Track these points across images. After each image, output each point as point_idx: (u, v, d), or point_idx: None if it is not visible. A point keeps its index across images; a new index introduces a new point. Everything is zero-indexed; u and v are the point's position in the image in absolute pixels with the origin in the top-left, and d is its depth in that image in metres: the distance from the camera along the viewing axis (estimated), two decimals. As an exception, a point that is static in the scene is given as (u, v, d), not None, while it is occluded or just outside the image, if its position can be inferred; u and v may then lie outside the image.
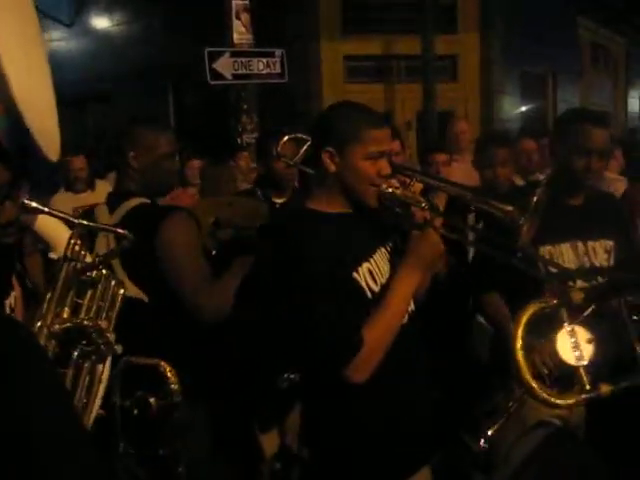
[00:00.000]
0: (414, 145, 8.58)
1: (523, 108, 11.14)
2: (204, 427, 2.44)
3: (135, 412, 2.09)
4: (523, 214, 2.00)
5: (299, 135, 3.11)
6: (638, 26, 14.84)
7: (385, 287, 2.00)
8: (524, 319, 1.97)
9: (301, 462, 2.19)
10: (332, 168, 1.98)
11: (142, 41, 10.24)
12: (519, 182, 4.01)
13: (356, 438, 2.02)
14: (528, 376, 1.95)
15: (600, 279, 2.50)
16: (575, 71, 12.84)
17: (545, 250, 2.57)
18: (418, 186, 2.21)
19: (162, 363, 2.08)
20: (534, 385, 1.96)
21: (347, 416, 2.01)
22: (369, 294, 1.99)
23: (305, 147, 2.93)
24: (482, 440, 2.32)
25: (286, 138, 3.10)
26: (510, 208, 2.02)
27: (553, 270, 2.26)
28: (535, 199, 2.07)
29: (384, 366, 1.93)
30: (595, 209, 2.63)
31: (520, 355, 1.95)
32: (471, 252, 3.51)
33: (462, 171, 4.31)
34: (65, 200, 5.17)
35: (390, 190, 2.01)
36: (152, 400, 2.08)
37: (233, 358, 2.69)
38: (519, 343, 1.96)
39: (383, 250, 2.10)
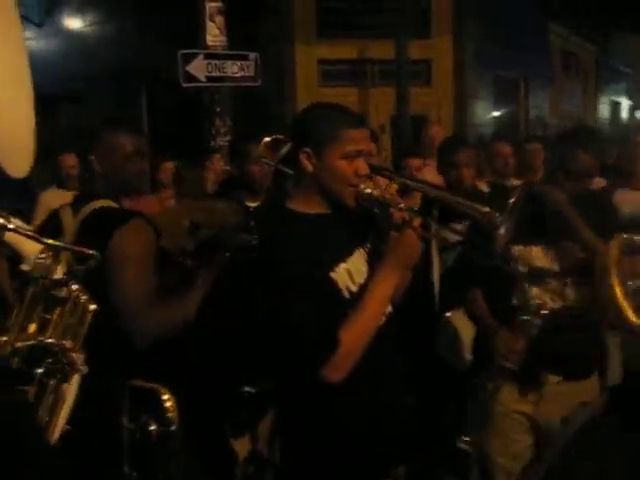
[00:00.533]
0: (388, 149, 8.61)
1: (496, 113, 11.23)
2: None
3: (138, 436, 2.08)
4: (500, 215, 2.02)
5: (279, 137, 3.10)
6: (608, 34, 15.06)
7: (363, 287, 1.99)
8: (612, 255, 2.03)
9: (273, 466, 2.21)
10: (309, 168, 1.98)
11: (115, 42, 10.16)
12: (483, 187, 4.01)
13: (335, 439, 2.01)
14: (629, 312, 2.00)
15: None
16: (546, 77, 12.98)
17: (515, 250, 2.60)
18: (394, 187, 2.21)
19: (161, 390, 2.05)
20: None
21: (326, 417, 2.00)
22: (347, 294, 1.98)
23: (285, 148, 2.92)
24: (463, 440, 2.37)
25: (267, 139, 3.09)
26: (487, 209, 2.03)
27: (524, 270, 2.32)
28: (512, 201, 2.10)
29: (361, 367, 1.93)
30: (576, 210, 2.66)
31: (618, 293, 2.00)
32: (435, 255, 3.55)
33: (433, 175, 4.32)
34: (55, 197, 5.10)
35: (368, 191, 2.00)
36: (153, 426, 2.05)
37: (200, 366, 2.66)
38: (615, 281, 2.00)
39: (361, 251, 2.09)
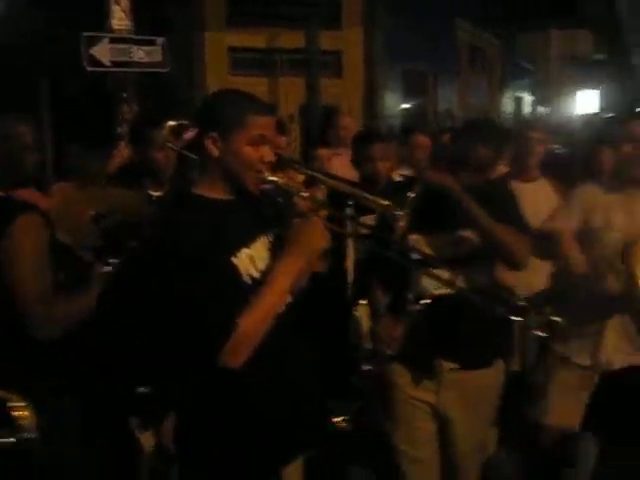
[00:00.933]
0: (297, 139, 8.59)
1: (405, 105, 11.40)
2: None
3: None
4: (399, 209, 2.06)
5: (184, 121, 3.04)
6: (514, 31, 15.50)
7: (265, 274, 2.00)
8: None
9: (178, 460, 2.17)
10: (215, 153, 1.98)
11: (11, 23, 9.71)
12: (396, 177, 4.06)
13: (236, 427, 2.01)
14: None
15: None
16: (454, 71, 13.27)
17: (412, 238, 2.62)
18: (300, 177, 2.23)
19: (11, 397, 1.98)
20: None
21: (226, 406, 2.00)
22: (248, 280, 1.98)
23: (190, 134, 2.88)
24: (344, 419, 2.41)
25: (172, 123, 3.03)
26: (387, 203, 2.07)
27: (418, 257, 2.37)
28: (412, 195, 2.14)
29: (261, 354, 1.93)
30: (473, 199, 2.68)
31: None
32: (350, 245, 3.57)
33: (343, 165, 4.33)
34: None
35: (272, 178, 2.02)
36: (11, 438, 1.98)
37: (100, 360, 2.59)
38: None
39: (265, 238, 2.10)
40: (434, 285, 2.57)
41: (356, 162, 3.82)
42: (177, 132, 3.06)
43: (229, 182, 2.02)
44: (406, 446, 2.75)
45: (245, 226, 2.05)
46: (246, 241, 2.02)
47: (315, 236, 2.00)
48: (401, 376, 2.74)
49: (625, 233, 2.99)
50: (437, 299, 2.61)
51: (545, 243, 3.07)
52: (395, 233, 2.10)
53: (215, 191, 2.02)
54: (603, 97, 23.32)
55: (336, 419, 2.40)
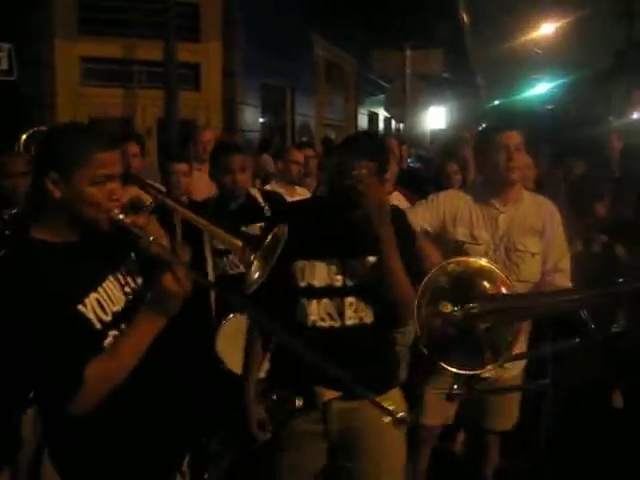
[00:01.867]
0: (155, 152, 8.40)
1: (263, 119, 11.45)
2: None
3: None
4: (253, 252, 1.94)
5: (35, 130, 2.90)
6: (367, 49, 16.00)
7: (117, 316, 1.92)
8: None
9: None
10: (57, 194, 1.84)
11: None
12: (257, 196, 4.06)
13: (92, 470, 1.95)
14: None
15: None
16: (311, 87, 13.50)
17: (297, 266, 2.53)
18: (149, 220, 2.01)
19: None
20: None
21: (81, 449, 1.93)
22: (98, 325, 1.89)
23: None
24: None
25: (24, 136, 2.89)
26: (240, 244, 1.95)
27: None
28: (269, 238, 2.03)
29: (117, 400, 1.85)
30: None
31: None
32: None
33: (204, 181, 4.29)
34: None
35: (120, 217, 1.89)
36: None
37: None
38: None
39: (116, 275, 2.01)
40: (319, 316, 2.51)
41: (214, 174, 3.78)
42: (32, 141, 2.92)
43: (74, 224, 1.90)
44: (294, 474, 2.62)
45: (92, 268, 1.93)
46: (94, 285, 1.91)
47: (169, 292, 1.86)
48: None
49: (488, 246, 3.14)
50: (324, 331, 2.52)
51: None
52: (247, 279, 1.96)
53: (57, 234, 1.90)
54: (449, 113, 24.58)
55: None
